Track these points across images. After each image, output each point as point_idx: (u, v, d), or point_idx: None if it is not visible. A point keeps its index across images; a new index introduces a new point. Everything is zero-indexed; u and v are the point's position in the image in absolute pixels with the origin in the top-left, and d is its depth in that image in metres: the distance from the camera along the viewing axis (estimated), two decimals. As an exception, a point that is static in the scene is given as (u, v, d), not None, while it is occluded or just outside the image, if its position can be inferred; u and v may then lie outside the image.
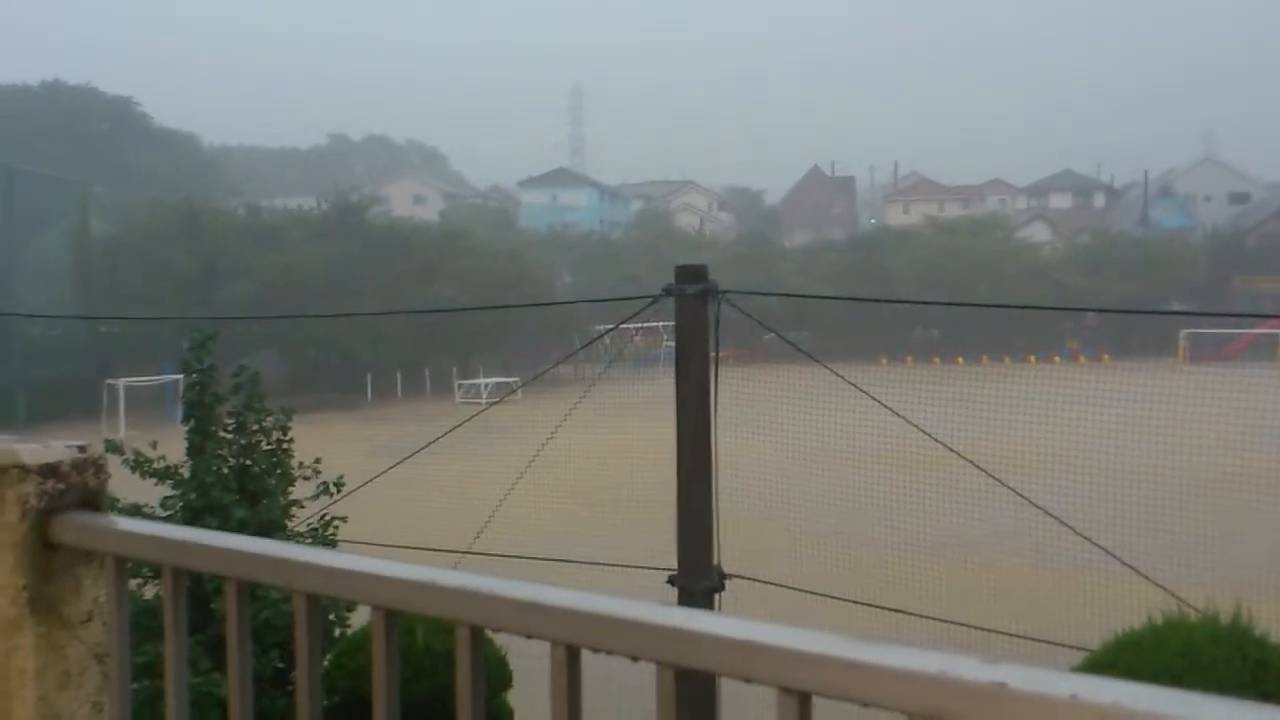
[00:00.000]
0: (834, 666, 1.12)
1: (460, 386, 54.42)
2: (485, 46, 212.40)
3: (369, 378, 55.61)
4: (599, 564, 10.75)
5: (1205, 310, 63.83)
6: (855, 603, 8.55)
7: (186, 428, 9.61)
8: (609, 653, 1.30)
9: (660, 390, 8.07)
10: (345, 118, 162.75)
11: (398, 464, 11.40)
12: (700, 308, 7.84)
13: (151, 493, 9.28)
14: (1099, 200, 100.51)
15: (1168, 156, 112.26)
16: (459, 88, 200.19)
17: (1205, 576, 15.06)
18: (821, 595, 8.13)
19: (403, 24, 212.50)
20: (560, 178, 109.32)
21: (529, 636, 1.38)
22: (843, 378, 8.22)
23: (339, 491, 9.81)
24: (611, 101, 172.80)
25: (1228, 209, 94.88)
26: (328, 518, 10.06)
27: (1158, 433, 24.06)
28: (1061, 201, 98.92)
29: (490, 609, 1.45)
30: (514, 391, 36.93)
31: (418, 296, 52.73)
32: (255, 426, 9.84)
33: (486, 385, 51.42)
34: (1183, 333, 59.88)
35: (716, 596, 7.37)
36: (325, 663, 8.52)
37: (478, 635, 1.48)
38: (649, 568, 7.71)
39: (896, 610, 8.12)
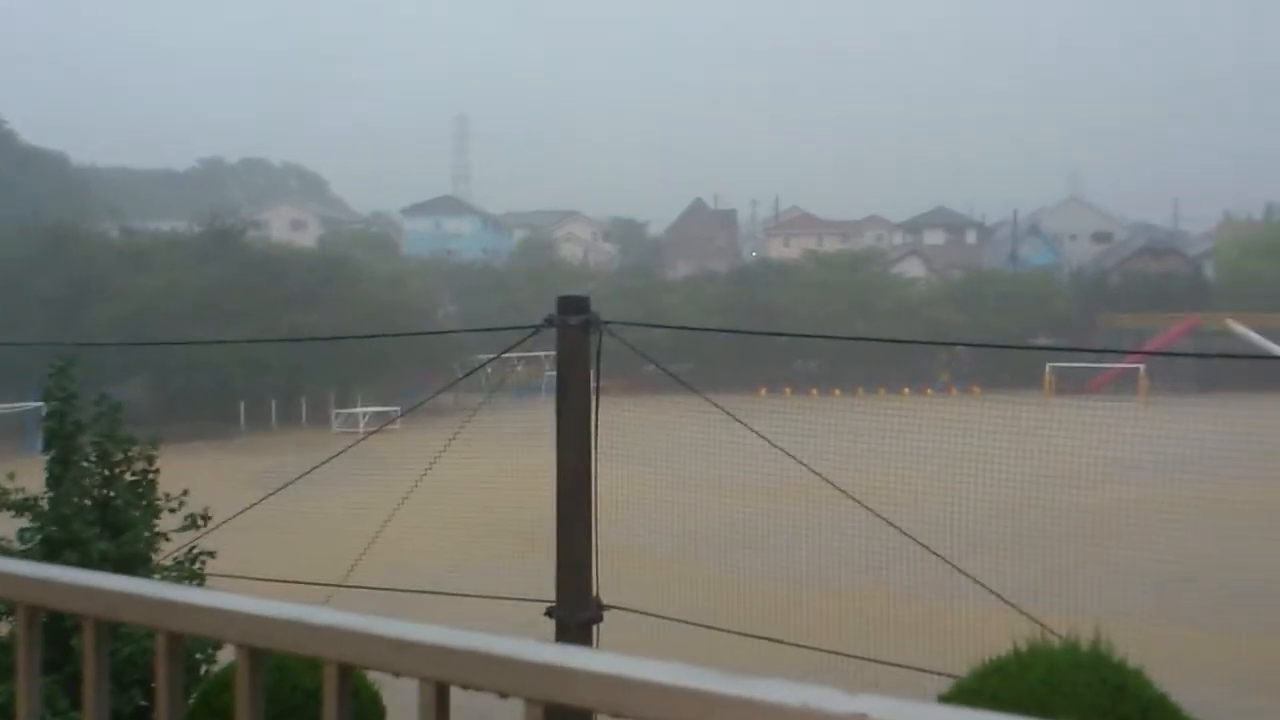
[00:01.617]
0: (703, 700, 1.13)
1: (337, 416, 53.50)
2: (369, 71, 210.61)
3: (242, 406, 54.32)
4: (478, 596, 10.65)
5: (1070, 346, 66.04)
6: (732, 632, 8.62)
7: (46, 457, 9.27)
8: (478, 689, 1.29)
9: (542, 420, 8.06)
10: (221, 140, 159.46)
11: (270, 495, 11.15)
12: (581, 338, 7.86)
13: (9, 525, 8.93)
14: (971, 237, 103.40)
15: (1036, 196, 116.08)
16: (341, 112, 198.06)
17: (1068, 603, 15.54)
18: (699, 625, 8.17)
19: (283, 46, 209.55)
20: (444, 205, 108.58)
21: (397, 675, 1.37)
22: (721, 408, 8.31)
23: (205, 524, 9.55)
24: (497, 130, 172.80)
25: (1092, 248, 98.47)
26: (195, 551, 9.78)
27: (1024, 463, 24.78)
28: (935, 238, 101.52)
29: (358, 646, 1.42)
30: (392, 421, 36.43)
31: (295, 323, 51.71)
32: (119, 456, 9.53)
33: (365, 415, 50.63)
34: (1049, 367, 61.82)
35: (595, 628, 7.35)
36: (190, 701, 8.26)
37: (345, 673, 1.46)
38: (527, 600, 7.67)
39: (772, 639, 8.20)
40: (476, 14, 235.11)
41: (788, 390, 63.84)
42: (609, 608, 7.08)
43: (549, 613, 7.13)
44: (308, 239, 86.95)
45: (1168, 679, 5.47)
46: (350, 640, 1.42)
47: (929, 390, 63.00)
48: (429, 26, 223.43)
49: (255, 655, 1.54)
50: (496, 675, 1.29)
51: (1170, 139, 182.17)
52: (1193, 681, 12.82)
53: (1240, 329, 65.43)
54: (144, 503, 9.54)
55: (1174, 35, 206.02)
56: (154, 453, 9.66)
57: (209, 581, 9.48)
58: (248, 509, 10.62)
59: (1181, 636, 16.62)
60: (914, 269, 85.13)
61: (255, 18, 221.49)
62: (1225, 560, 20.72)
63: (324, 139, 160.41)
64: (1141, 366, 61.18)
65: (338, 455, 10.66)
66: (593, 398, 7.75)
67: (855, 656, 8.09)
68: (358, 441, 12.79)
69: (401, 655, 1.36)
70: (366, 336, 38.23)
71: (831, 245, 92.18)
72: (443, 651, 1.34)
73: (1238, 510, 23.13)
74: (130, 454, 9.54)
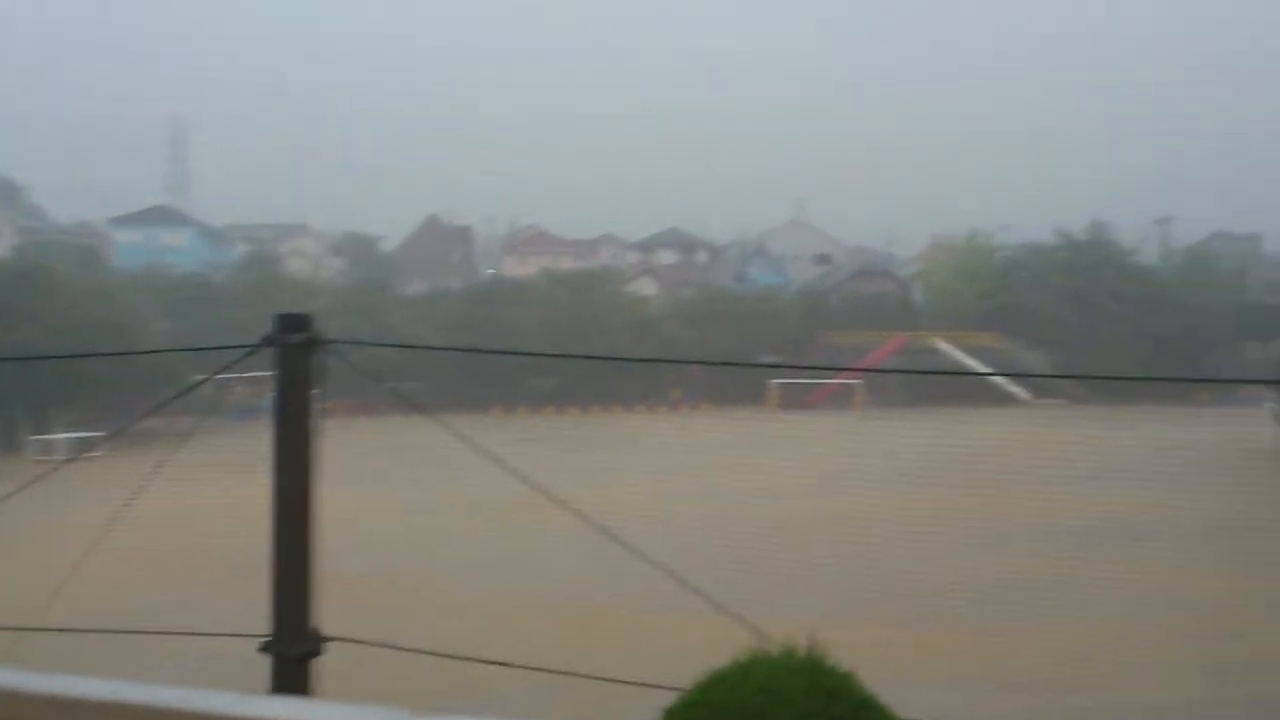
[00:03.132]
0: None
1: (34, 442, 49.64)
2: (76, 71, 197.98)
3: (-75, 431, 49.85)
4: (187, 634, 10.08)
5: (793, 363, 68.98)
6: (459, 658, 8.47)
7: None
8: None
9: (263, 445, 7.70)
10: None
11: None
12: (303, 358, 7.52)
13: None
14: (702, 257, 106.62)
15: (764, 219, 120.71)
16: (41, 113, 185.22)
17: (789, 611, 16.11)
18: (423, 653, 7.98)
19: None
20: (158, 215, 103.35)
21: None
22: (450, 429, 8.17)
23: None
24: (218, 139, 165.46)
25: (814, 269, 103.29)
26: None
27: (751, 476, 25.64)
28: (668, 257, 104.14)
29: (12, 707, 1.27)
30: (94, 448, 34.19)
31: (-13, 340, 47.81)
32: None
33: (66, 440, 47.28)
34: (774, 383, 64.36)
35: (315, 662, 7.05)
36: None
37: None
38: (240, 635, 7.28)
39: (500, 663, 8.10)
40: (199, 8, 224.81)
41: (523, 409, 63.98)
42: (330, 639, 6.81)
43: (264, 647, 6.78)
44: (0, 249, 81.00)
45: (879, 681, 5.72)
46: (4, 700, 1.25)
47: (662, 406, 64.42)
48: (146, 23, 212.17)
49: None
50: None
51: (884, 165, 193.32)
52: (902, 682, 13.51)
53: (944, 346, 70.04)
54: None
55: (891, 78, 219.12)
56: None
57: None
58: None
59: (893, 639, 17.51)
60: (647, 288, 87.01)
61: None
62: (935, 564, 21.99)
63: (22, 143, 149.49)
64: (858, 382, 64.53)
65: (32, 484, 9.88)
66: (315, 420, 7.44)
67: (583, 675, 8.10)
68: (56, 469, 11.91)
69: (64, 713, 1.22)
70: (65, 356, 35.40)
71: (567, 264, 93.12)
72: (108, 708, 1.21)
73: (946, 516, 24.62)
74: None
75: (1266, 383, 61.37)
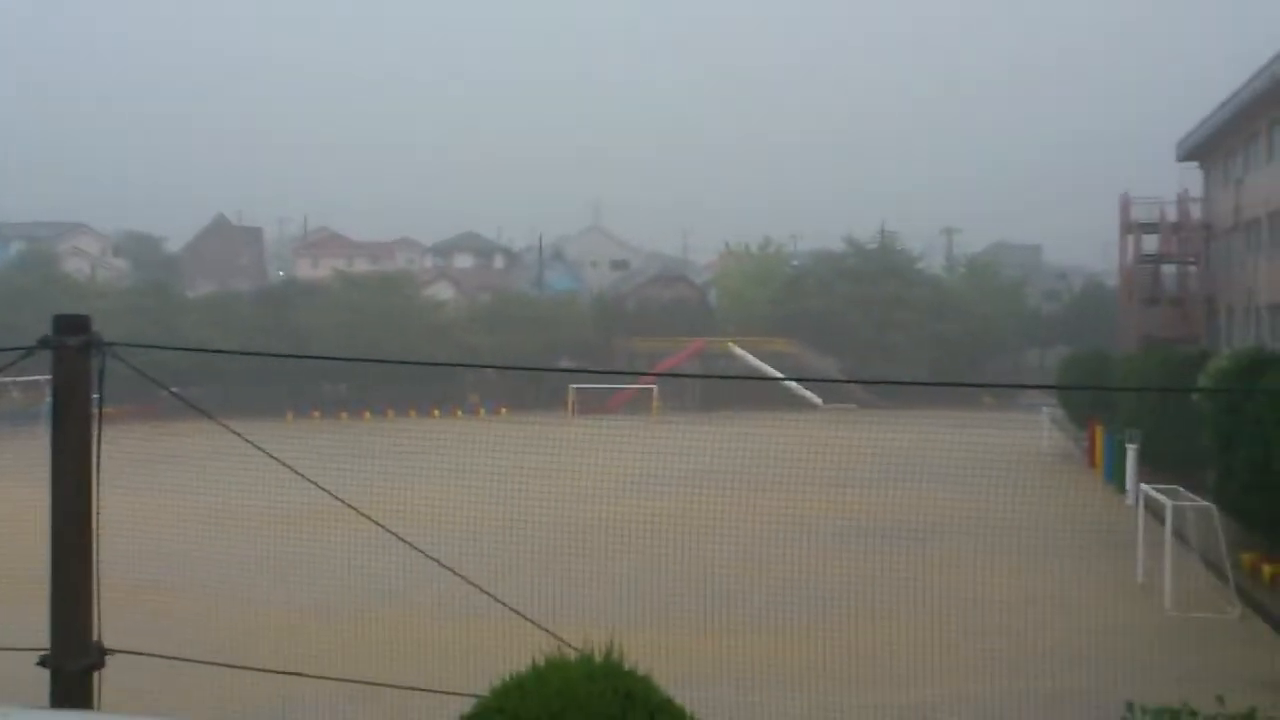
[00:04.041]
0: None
1: None
2: None
3: None
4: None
5: (591, 368, 69.38)
6: (249, 669, 8.24)
7: None
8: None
9: (42, 450, 7.34)
10: None
11: None
12: (82, 361, 7.21)
13: None
14: (499, 262, 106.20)
15: (560, 225, 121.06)
16: None
17: (587, 616, 16.26)
18: (211, 664, 7.73)
19: None
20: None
21: None
22: (237, 433, 7.95)
23: None
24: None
25: (610, 274, 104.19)
26: None
27: (546, 481, 25.69)
28: (465, 261, 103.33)
29: None
30: None
31: None
32: None
33: None
34: (571, 388, 64.64)
35: (97, 675, 6.76)
36: None
37: None
38: (16, 649, 6.93)
39: (292, 673, 7.92)
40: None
41: (316, 414, 62.42)
42: (112, 651, 6.55)
43: (42, 661, 6.47)
44: None
45: (676, 683, 5.85)
46: None
47: (459, 411, 63.89)
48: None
49: None
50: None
51: (679, 172, 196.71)
52: (699, 683, 13.81)
53: (740, 351, 71.70)
54: None
55: (689, 87, 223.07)
56: None
57: None
58: None
59: (691, 642, 17.84)
60: (444, 292, 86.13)
61: None
62: (732, 566, 22.49)
63: None
64: (654, 387, 65.44)
65: None
66: (94, 425, 7.15)
67: (379, 684, 8.00)
68: None
69: None
70: None
71: (362, 267, 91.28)
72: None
73: (743, 518, 25.18)
74: None
75: (1044, 388, 65.09)
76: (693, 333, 74.06)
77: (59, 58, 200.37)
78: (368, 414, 63.25)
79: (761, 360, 70.44)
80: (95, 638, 6.86)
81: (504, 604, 7.77)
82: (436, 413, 62.84)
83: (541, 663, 5.32)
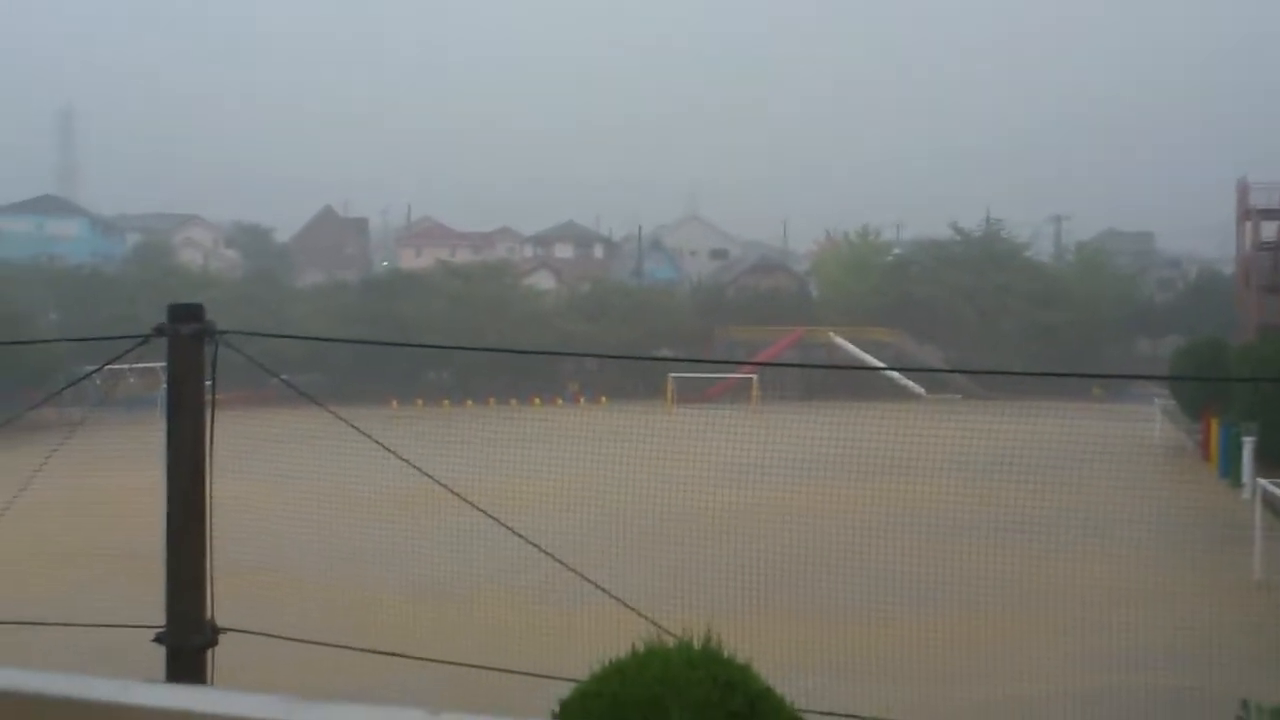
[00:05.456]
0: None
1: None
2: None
3: None
4: (78, 625, 9.85)
5: (690, 356, 69.29)
6: (355, 649, 8.42)
7: None
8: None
9: (156, 436, 7.57)
10: None
11: None
12: (195, 349, 7.41)
13: None
14: (599, 251, 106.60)
15: (659, 214, 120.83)
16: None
17: (686, 603, 16.27)
18: (320, 644, 7.92)
19: None
20: (47, 205, 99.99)
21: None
22: (345, 420, 8.11)
23: None
24: (109, 126, 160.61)
25: (709, 264, 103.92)
26: None
27: (647, 469, 25.74)
28: (565, 251, 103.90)
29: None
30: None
31: None
32: None
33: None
34: (670, 377, 64.66)
35: (210, 652, 6.97)
36: None
37: None
38: (134, 626, 7.16)
39: (395, 654, 8.08)
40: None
41: (419, 402, 63.38)
42: (225, 630, 6.73)
43: (158, 638, 6.68)
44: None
45: (776, 672, 5.83)
46: None
47: (559, 400, 64.33)
48: (30, 6, 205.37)
49: None
50: (50, 716, 1.18)
51: (781, 161, 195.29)
52: (799, 672, 13.75)
53: (839, 340, 71.06)
54: None
55: (784, 71, 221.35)
56: None
57: None
58: None
59: (791, 630, 17.76)
60: (545, 281, 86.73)
61: None
62: (832, 555, 22.31)
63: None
64: (754, 376, 65.14)
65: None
66: (208, 411, 7.34)
67: (479, 666, 8.11)
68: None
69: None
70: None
71: (463, 256, 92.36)
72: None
73: (843, 508, 24.96)
74: None
75: (1154, 378, 63.24)
76: (792, 322, 73.56)
77: (172, 55, 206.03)
78: (470, 402, 64.05)
79: (862, 349, 69.71)
80: (208, 617, 7.08)
81: (604, 590, 7.82)
82: (537, 401, 63.37)
83: (641, 649, 5.34)
